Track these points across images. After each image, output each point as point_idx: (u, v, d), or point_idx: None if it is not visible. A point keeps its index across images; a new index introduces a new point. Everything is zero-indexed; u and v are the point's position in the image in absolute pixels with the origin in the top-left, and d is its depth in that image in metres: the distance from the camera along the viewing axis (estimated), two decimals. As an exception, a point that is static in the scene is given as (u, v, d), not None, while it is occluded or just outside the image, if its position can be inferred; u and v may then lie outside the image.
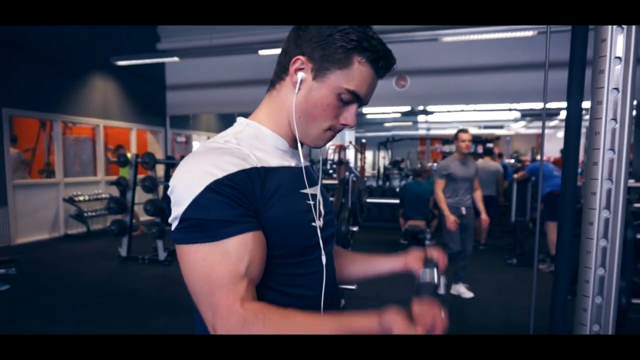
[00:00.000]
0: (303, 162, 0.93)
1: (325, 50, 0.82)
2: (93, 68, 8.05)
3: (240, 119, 0.93)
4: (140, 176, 6.08)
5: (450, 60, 8.17)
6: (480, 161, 6.56)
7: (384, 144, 14.79)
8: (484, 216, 4.27)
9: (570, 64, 1.11)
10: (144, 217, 7.59)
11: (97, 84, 8.21)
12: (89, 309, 4.00)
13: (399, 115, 13.98)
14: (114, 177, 7.54)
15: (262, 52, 7.20)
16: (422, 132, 19.51)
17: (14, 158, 6.84)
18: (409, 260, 1.03)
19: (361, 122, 17.45)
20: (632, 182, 4.71)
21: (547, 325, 1.21)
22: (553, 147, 13.93)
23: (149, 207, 5.67)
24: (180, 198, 0.76)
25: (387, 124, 17.34)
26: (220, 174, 0.75)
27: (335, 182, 7.33)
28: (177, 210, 0.76)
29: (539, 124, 16.33)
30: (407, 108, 10.51)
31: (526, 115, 14.02)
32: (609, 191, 0.89)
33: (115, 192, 7.39)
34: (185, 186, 0.75)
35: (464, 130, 4.18)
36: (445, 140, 13.02)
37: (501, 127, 18.17)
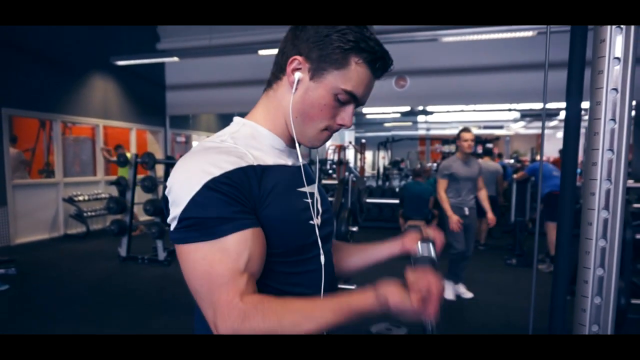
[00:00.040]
0: (301, 161, 0.93)
1: (322, 50, 0.82)
2: (93, 68, 8.05)
3: (237, 119, 0.93)
4: (139, 176, 6.08)
5: (450, 61, 8.18)
6: (479, 161, 6.56)
7: (383, 144, 14.79)
8: (490, 215, 4.24)
9: (570, 65, 1.11)
10: (143, 217, 7.58)
11: (97, 83, 8.21)
12: (89, 309, 4.00)
13: (398, 115, 13.98)
14: (113, 177, 7.54)
15: (262, 52, 7.19)
16: (421, 132, 19.51)
17: (13, 158, 6.83)
18: (406, 242, 1.03)
19: (361, 122, 17.45)
20: (631, 183, 4.72)
21: (546, 326, 1.21)
22: (552, 147, 13.93)
23: (148, 207, 5.68)
24: (178, 198, 0.76)
25: (386, 124, 17.33)
26: (217, 172, 0.75)
27: (335, 182, 7.33)
28: (176, 210, 0.76)
29: (539, 124, 16.34)
30: (407, 108, 10.51)
31: (526, 115, 14.02)
32: (607, 191, 0.90)
33: (114, 192, 7.41)
34: (183, 186, 0.76)
35: (467, 130, 4.14)
36: (445, 140, 13.03)
37: (501, 127, 18.17)
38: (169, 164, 6.72)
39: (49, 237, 7.34)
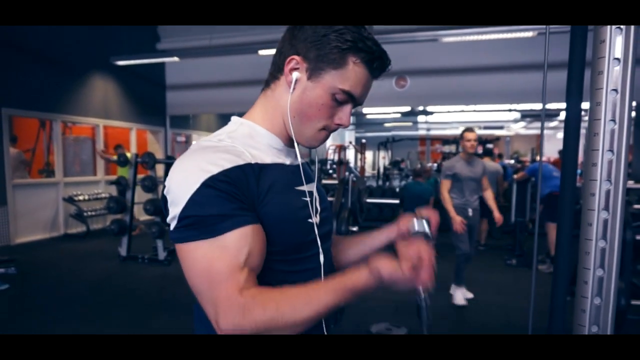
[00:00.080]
0: (299, 160, 0.93)
1: (320, 50, 0.82)
2: (93, 68, 8.05)
3: (234, 118, 0.93)
4: (140, 176, 6.09)
5: (450, 61, 8.18)
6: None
7: (384, 144, 14.78)
8: (497, 214, 4.18)
9: (570, 65, 1.11)
10: (143, 217, 7.59)
11: (97, 83, 8.21)
12: (89, 309, 4.00)
13: (399, 115, 13.99)
14: (113, 177, 7.54)
15: (262, 52, 7.20)
16: (422, 132, 19.51)
17: (13, 158, 6.84)
18: (401, 224, 1.02)
19: (361, 122, 17.46)
20: (631, 184, 4.72)
21: (546, 326, 1.21)
22: (553, 147, 13.95)
23: (148, 206, 5.69)
24: (177, 197, 0.76)
25: (387, 124, 17.34)
26: (215, 170, 0.75)
27: (336, 182, 7.33)
28: (175, 209, 0.76)
29: (539, 124, 16.34)
30: (407, 108, 10.51)
31: (526, 115, 14.02)
32: (607, 192, 0.90)
33: (114, 191, 7.41)
34: (181, 185, 0.76)
35: (470, 130, 4.08)
36: (445, 140, 13.02)
37: (501, 127, 18.18)
38: (169, 163, 6.72)
39: (49, 237, 7.34)
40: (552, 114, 13.13)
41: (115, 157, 6.92)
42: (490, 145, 9.53)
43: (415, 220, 0.95)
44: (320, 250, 0.91)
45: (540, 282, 3.22)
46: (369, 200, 7.78)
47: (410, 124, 17.08)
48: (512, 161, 12.74)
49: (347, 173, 9.50)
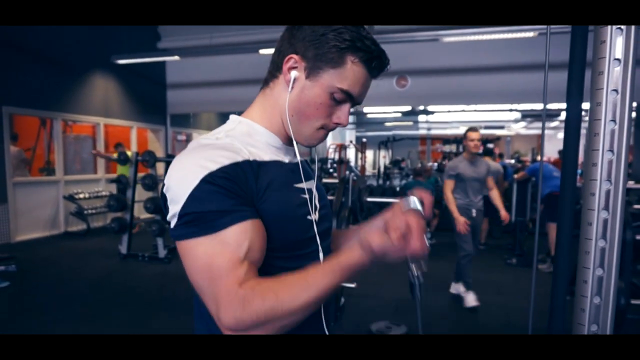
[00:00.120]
0: (298, 158, 0.94)
1: (318, 49, 0.82)
2: (93, 66, 8.05)
3: (233, 117, 0.93)
4: (140, 174, 6.09)
5: (451, 61, 8.18)
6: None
7: (384, 143, 14.77)
8: (503, 213, 4.13)
9: (570, 65, 1.11)
10: (144, 215, 7.59)
11: (98, 82, 8.21)
12: (89, 307, 4.01)
13: (399, 115, 13.98)
14: (114, 175, 7.55)
15: (262, 51, 7.20)
16: (422, 131, 19.50)
17: (14, 156, 6.84)
18: (395, 207, 1.02)
19: (362, 122, 17.45)
20: (631, 184, 4.71)
21: (545, 326, 1.21)
22: (553, 147, 13.92)
23: (149, 204, 5.70)
24: (176, 195, 0.76)
25: (387, 124, 17.33)
26: (214, 167, 0.75)
27: (336, 181, 7.33)
28: (175, 207, 0.76)
29: (540, 124, 16.34)
30: (408, 108, 10.50)
31: (527, 115, 14.01)
32: (607, 192, 0.90)
33: (115, 189, 7.41)
34: (181, 182, 0.76)
35: (474, 129, 4.03)
36: (446, 140, 13.01)
37: (502, 127, 18.17)
38: (170, 162, 6.70)
39: (50, 235, 7.35)
40: (553, 114, 13.12)
41: (115, 156, 6.92)
42: (490, 145, 9.52)
43: (408, 198, 0.95)
44: (320, 247, 0.91)
45: (540, 281, 3.22)
46: (369, 199, 7.77)
47: (410, 123, 17.07)
48: (513, 161, 12.74)
49: (347, 172, 9.49)
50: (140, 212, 7.37)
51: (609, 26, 0.87)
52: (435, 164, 11.86)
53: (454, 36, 6.85)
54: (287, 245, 0.85)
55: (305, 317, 0.76)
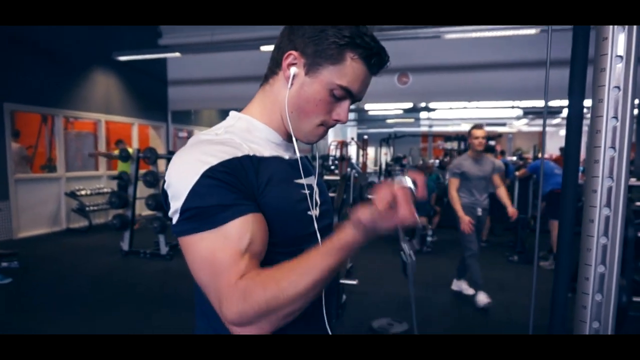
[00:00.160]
0: (297, 154, 0.93)
1: (318, 45, 0.82)
2: (95, 63, 8.05)
3: (233, 113, 0.93)
4: (141, 171, 6.10)
5: (452, 57, 8.16)
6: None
7: (386, 140, 14.77)
8: (511, 209, 4.04)
9: (572, 62, 1.11)
10: (145, 212, 7.60)
11: (99, 79, 8.21)
12: (91, 304, 4.02)
13: (401, 111, 13.96)
14: (115, 172, 7.56)
15: (263, 48, 7.20)
16: (424, 128, 19.49)
17: (15, 152, 6.85)
18: None
19: (363, 119, 17.44)
20: (633, 181, 4.71)
21: (547, 323, 1.21)
22: (555, 145, 13.91)
23: (150, 201, 5.70)
24: (177, 191, 0.76)
25: (389, 121, 17.32)
26: (214, 161, 0.75)
27: (337, 178, 7.33)
28: (177, 203, 0.76)
29: (542, 121, 16.31)
30: (409, 105, 10.49)
31: (528, 112, 13.99)
32: (609, 189, 0.90)
33: (116, 186, 7.42)
34: (181, 178, 0.76)
35: (478, 127, 3.94)
36: (447, 137, 12.99)
37: (503, 124, 18.14)
38: (171, 159, 6.72)
39: (52, 231, 7.38)
40: (555, 111, 13.10)
41: (116, 153, 6.93)
42: (492, 142, 9.51)
43: (399, 177, 0.95)
44: (321, 243, 0.91)
45: (541, 278, 3.23)
46: (370, 197, 7.77)
47: (412, 120, 17.05)
48: (514, 158, 12.73)
49: (349, 169, 9.50)
50: (142, 209, 7.38)
51: (612, 25, 0.86)
52: (437, 161, 11.85)
53: (455, 33, 6.83)
54: (288, 241, 0.85)
55: (307, 308, 0.76)
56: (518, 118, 15.71)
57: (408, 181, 0.82)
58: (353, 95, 0.86)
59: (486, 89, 8.31)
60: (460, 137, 11.48)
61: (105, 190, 7.98)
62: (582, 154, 1.25)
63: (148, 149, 6.00)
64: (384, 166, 13.05)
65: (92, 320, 3.60)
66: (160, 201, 5.59)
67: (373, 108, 12.30)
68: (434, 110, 12.98)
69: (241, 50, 8.59)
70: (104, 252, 6.02)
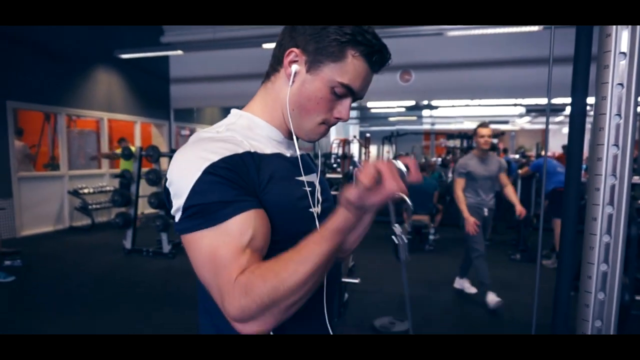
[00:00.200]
0: (298, 152, 0.93)
1: (319, 43, 0.82)
2: (97, 61, 8.06)
3: (234, 111, 0.93)
4: (144, 169, 6.10)
5: (455, 55, 8.14)
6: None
7: (388, 138, 14.75)
8: (519, 207, 3.98)
9: (575, 60, 1.10)
10: (148, 210, 7.61)
11: (101, 77, 8.22)
12: (93, 301, 4.03)
13: (403, 109, 13.93)
14: (118, 170, 7.57)
15: (266, 45, 7.19)
16: (426, 126, 19.46)
17: (19, 151, 6.87)
18: None
19: (365, 117, 17.41)
20: (636, 179, 4.68)
21: (550, 322, 1.21)
22: (558, 142, 13.87)
23: (153, 199, 5.71)
24: (179, 189, 0.76)
25: (391, 119, 17.29)
26: (215, 158, 0.75)
27: (340, 176, 7.33)
28: (179, 201, 0.76)
29: (544, 119, 16.26)
30: (412, 102, 10.47)
31: (531, 110, 13.94)
32: (612, 187, 0.89)
33: (119, 184, 7.44)
34: (183, 176, 0.76)
35: (484, 125, 3.86)
36: (450, 135, 12.98)
37: (506, 122, 18.09)
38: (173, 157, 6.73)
39: (54, 230, 7.39)
40: (558, 109, 13.04)
41: (118, 151, 6.94)
42: (495, 140, 9.49)
43: (393, 161, 0.94)
44: None
45: (544, 277, 3.22)
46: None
47: (414, 118, 17.01)
48: (517, 156, 12.70)
49: (351, 167, 9.49)
50: (145, 207, 7.39)
51: (615, 25, 0.86)
52: (439, 159, 11.84)
53: (458, 30, 6.81)
54: (290, 238, 0.85)
55: (308, 305, 0.75)
56: (521, 116, 15.66)
57: (399, 164, 0.81)
58: (354, 93, 0.86)
59: (489, 86, 8.29)
60: (463, 135, 11.46)
61: (107, 188, 8.00)
62: (585, 152, 1.24)
63: (150, 147, 6.00)
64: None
65: (94, 318, 3.61)
66: (162, 199, 5.60)
67: (375, 106, 12.27)
68: (436, 108, 12.94)
69: (243, 48, 8.58)
70: (106, 250, 6.04)
